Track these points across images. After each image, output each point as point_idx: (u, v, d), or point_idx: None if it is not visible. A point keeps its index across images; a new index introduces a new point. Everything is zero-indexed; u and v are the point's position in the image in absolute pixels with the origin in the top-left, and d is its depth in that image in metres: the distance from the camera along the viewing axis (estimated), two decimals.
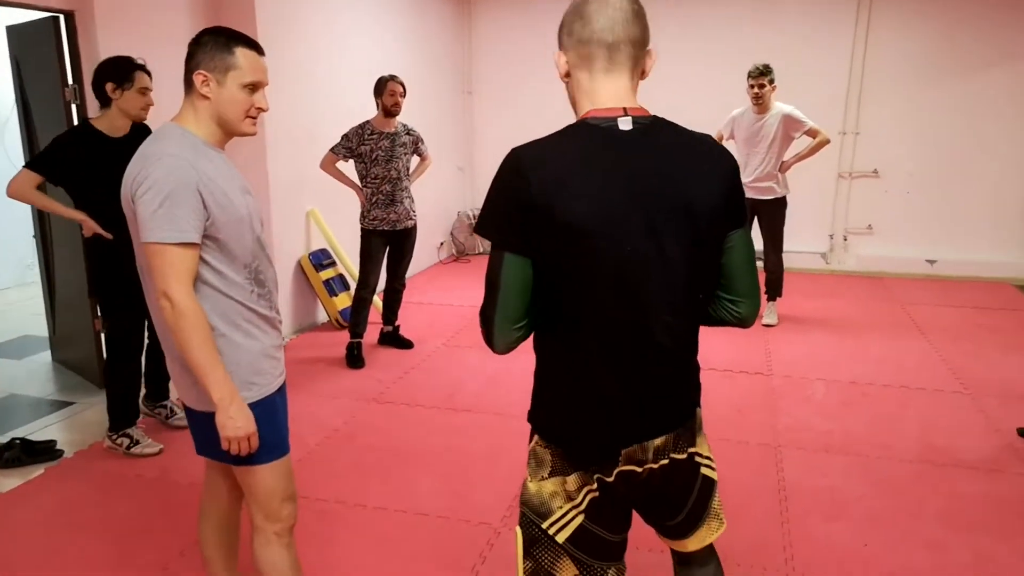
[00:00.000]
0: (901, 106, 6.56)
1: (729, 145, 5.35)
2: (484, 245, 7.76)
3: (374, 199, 4.47)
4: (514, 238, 1.34)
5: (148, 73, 3.28)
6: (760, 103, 4.97)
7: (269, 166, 4.81)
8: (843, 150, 6.77)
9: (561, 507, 1.48)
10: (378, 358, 4.65)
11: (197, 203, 1.68)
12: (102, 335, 4.21)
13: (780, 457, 3.35)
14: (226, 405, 1.71)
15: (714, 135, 5.33)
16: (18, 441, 3.41)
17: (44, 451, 3.41)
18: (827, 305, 5.83)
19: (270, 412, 1.86)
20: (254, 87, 1.80)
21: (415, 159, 4.71)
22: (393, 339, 4.87)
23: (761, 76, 4.88)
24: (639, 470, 1.48)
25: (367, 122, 4.47)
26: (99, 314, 3.53)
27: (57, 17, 3.85)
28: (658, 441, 1.48)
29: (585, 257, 1.34)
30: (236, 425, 1.73)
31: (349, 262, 5.42)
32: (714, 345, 4.85)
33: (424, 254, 6.96)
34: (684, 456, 1.53)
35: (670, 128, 1.44)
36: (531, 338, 1.49)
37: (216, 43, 1.77)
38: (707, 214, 1.40)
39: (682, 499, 1.58)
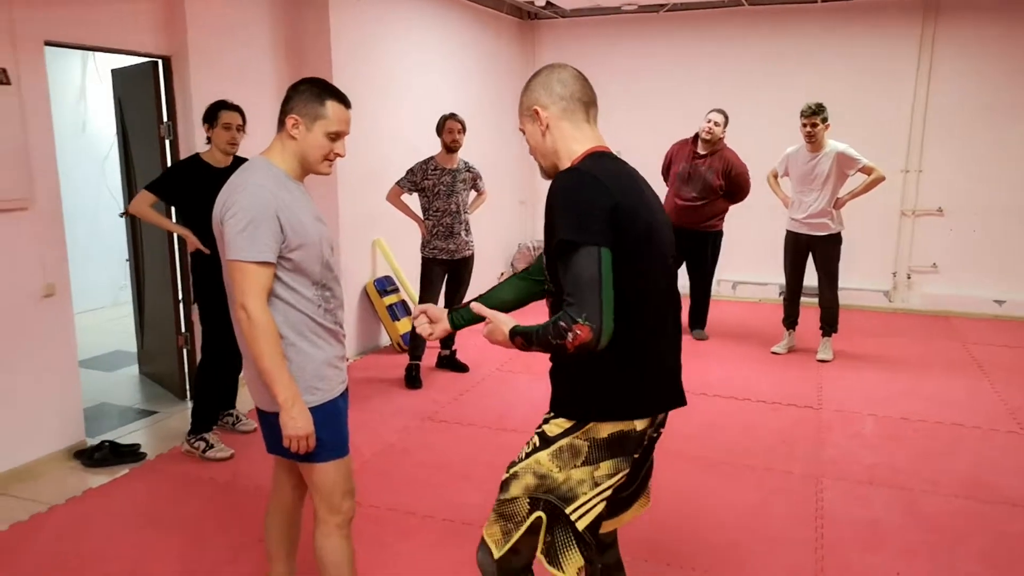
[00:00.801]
0: (966, 144, 6.49)
1: (784, 182, 5.44)
2: None
3: (435, 230, 4.73)
4: (604, 236, 1.56)
5: (237, 111, 3.64)
6: (813, 141, 5.04)
7: (340, 199, 5.15)
8: (906, 188, 6.72)
9: (586, 494, 1.67)
10: (435, 380, 4.87)
11: (275, 227, 1.92)
12: (184, 350, 4.59)
13: (822, 487, 3.39)
14: (289, 407, 1.93)
15: (768, 173, 5.45)
16: (107, 443, 3.75)
17: (129, 453, 3.73)
18: (886, 343, 5.78)
19: (333, 415, 2.07)
20: (336, 136, 2.05)
21: (473, 193, 4.97)
22: (450, 363, 5.09)
23: (813, 115, 4.96)
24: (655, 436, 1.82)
25: (431, 158, 4.75)
26: (197, 320, 3.90)
27: (156, 62, 4.28)
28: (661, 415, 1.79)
29: (654, 248, 1.67)
30: (297, 425, 1.94)
31: (411, 289, 5.69)
32: (764, 378, 4.90)
33: (485, 284, 7.19)
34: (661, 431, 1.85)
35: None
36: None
37: (312, 93, 2.02)
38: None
39: (643, 468, 1.89)
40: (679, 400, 1.78)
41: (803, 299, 5.49)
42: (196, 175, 3.61)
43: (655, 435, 1.83)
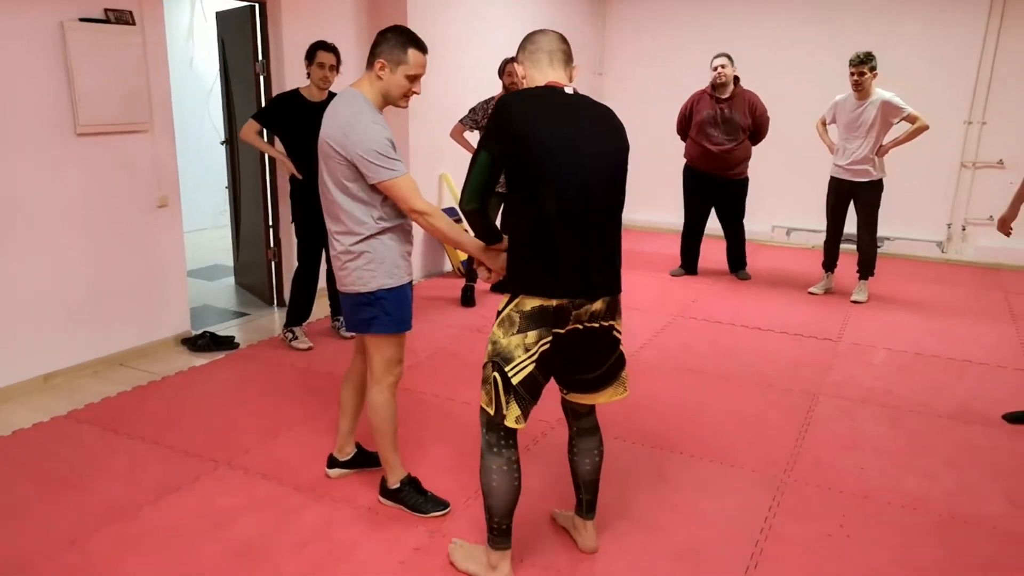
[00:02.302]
0: None
1: (831, 129, 5.63)
2: None
3: None
4: (496, 145, 2.15)
5: (332, 51, 4.15)
6: (860, 90, 5.21)
7: (411, 135, 5.69)
8: (968, 139, 6.73)
9: (520, 356, 2.15)
10: (487, 300, 5.42)
11: (393, 149, 2.46)
12: (272, 264, 5.28)
13: (816, 403, 3.77)
14: (483, 252, 2.44)
15: (817, 120, 5.66)
16: (208, 333, 4.49)
17: (226, 342, 4.46)
18: (927, 289, 5.95)
19: (402, 296, 2.62)
20: (415, 78, 2.53)
21: None
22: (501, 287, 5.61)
23: (861, 64, 5.12)
24: (581, 328, 2.20)
25: (492, 98, 5.20)
26: (294, 236, 4.56)
27: (254, 6, 4.88)
28: (597, 305, 2.20)
29: (549, 161, 2.12)
30: (496, 264, 2.42)
31: None
32: (795, 314, 5.23)
33: None
34: (607, 325, 2.26)
35: (587, 97, 2.28)
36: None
37: (397, 41, 2.48)
38: (615, 148, 2.25)
39: (603, 359, 2.31)
40: (589, 293, 2.16)
41: (845, 245, 5.72)
42: (294, 107, 4.17)
43: (596, 325, 2.20)
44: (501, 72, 5.13)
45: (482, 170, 2.18)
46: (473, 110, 5.20)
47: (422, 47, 2.52)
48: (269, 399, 3.71)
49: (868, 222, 5.47)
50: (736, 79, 5.80)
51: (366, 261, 2.53)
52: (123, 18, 3.94)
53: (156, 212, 4.31)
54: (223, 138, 5.77)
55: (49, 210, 3.77)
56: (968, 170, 6.81)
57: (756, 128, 5.80)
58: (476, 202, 2.23)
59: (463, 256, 6.07)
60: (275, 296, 5.33)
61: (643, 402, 3.67)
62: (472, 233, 2.43)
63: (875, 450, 3.28)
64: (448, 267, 6.35)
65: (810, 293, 5.75)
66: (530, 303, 2.13)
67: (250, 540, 2.56)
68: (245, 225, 5.65)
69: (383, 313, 2.58)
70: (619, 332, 2.31)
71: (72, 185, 3.85)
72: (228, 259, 6.18)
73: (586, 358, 2.28)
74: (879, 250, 6.99)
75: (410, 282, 2.67)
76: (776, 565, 2.48)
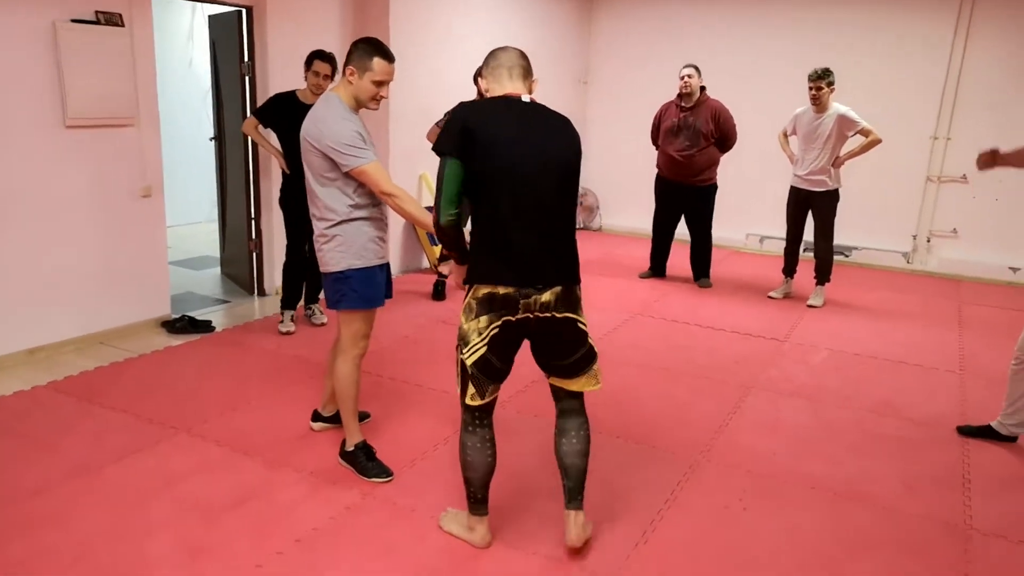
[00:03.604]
0: (996, 115, 6.65)
1: (792, 141, 5.88)
2: (586, 223, 8.61)
3: None
4: (449, 150, 2.32)
5: (328, 61, 4.43)
6: (818, 103, 5.45)
7: (391, 136, 5.97)
8: (934, 154, 6.96)
9: (473, 340, 2.36)
10: (458, 295, 5.68)
11: (363, 140, 2.78)
12: (254, 255, 5.56)
13: (747, 395, 4.01)
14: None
15: (780, 132, 5.90)
16: (186, 317, 4.77)
17: (203, 325, 4.74)
18: (885, 298, 6.17)
19: (370, 277, 2.91)
20: (380, 83, 2.83)
21: None
22: None
23: (819, 79, 5.37)
24: (532, 317, 2.35)
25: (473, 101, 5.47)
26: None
27: (241, 11, 5.17)
28: (546, 296, 2.35)
29: (501, 161, 2.30)
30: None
31: None
32: (749, 316, 5.46)
33: None
34: (563, 317, 2.40)
35: (543, 106, 2.46)
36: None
37: (365, 51, 2.80)
38: (567, 152, 2.41)
39: (571, 350, 2.47)
40: (534, 281, 2.31)
41: (807, 253, 5.95)
42: (289, 107, 4.47)
43: (547, 315, 2.34)
44: (476, 79, 5.40)
45: (451, 175, 2.30)
46: (450, 112, 5.47)
47: (388, 56, 2.83)
48: (235, 377, 3.99)
49: (824, 230, 5.70)
50: (702, 89, 6.04)
51: (338, 243, 2.86)
52: (113, 20, 4.23)
53: (141, 201, 4.59)
54: (212, 135, 6.06)
55: (39, 198, 4.06)
56: (933, 184, 7.03)
57: (722, 135, 6.01)
58: (453, 207, 2.33)
59: (439, 252, 6.34)
60: (256, 285, 5.61)
61: None
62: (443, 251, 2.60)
63: (790, 438, 3.52)
64: (425, 263, 6.62)
65: (769, 297, 5.99)
66: (483, 290, 2.33)
67: (196, 498, 2.83)
68: (231, 218, 5.93)
69: (351, 290, 2.89)
70: (584, 325, 2.44)
71: (61, 174, 4.15)
72: (216, 250, 6.47)
73: (551, 346, 2.45)
74: (846, 258, 7.27)
75: (382, 265, 2.96)
76: (670, 530, 2.72)
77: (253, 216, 5.52)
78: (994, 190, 6.78)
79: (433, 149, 2.40)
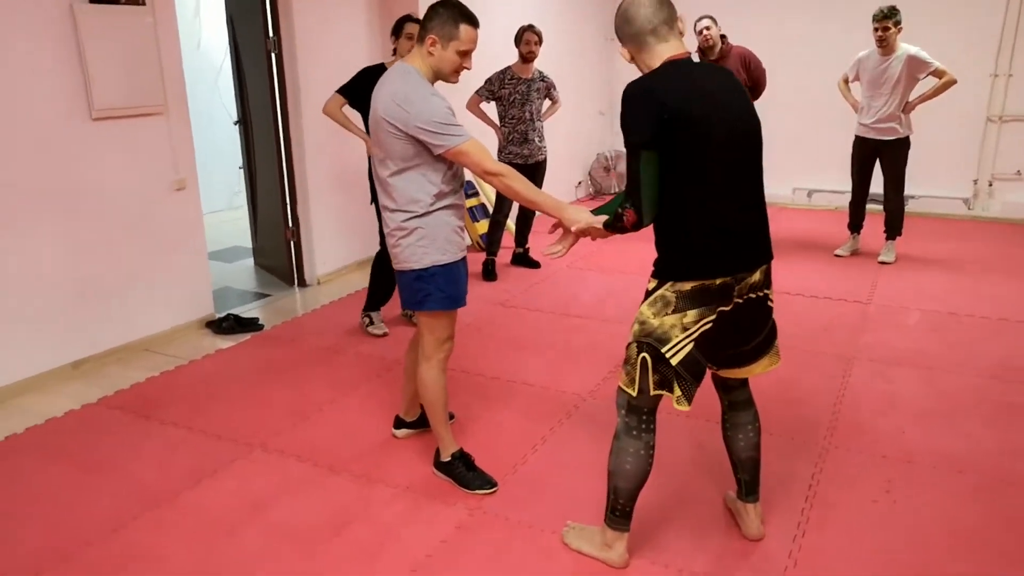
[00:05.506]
0: None
1: (855, 87, 5.50)
2: (619, 184, 8.25)
3: (510, 136, 5.13)
4: (644, 137, 1.93)
5: (419, 23, 4.01)
6: (885, 45, 5.07)
7: None
8: (994, 93, 6.57)
9: (677, 336, 2.03)
10: (509, 274, 5.37)
11: (455, 117, 2.42)
12: (291, 243, 5.24)
13: (850, 367, 3.71)
14: (563, 208, 2.31)
15: (839, 78, 5.52)
16: (232, 316, 4.47)
17: (250, 324, 4.44)
18: (955, 247, 5.85)
19: (454, 273, 2.58)
20: (465, 53, 2.48)
21: (547, 102, 5.31)
22: (523, 259, 5.57)
23: (886, 19, 4.98)
24: (741, 301, 2.09)
25: (508, 68, 5.11)
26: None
27: None
28: (756, 276, 2.09)
29: (708, 140, 1.96)
30: (575, 218, 2.25)
31: (489, 192, 6.15)
32: (822, 277, 5.15)
33: (563, 191, 7.57)
34: (763, 295, 2.15)
35: (709, 63, 2.25)
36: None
37: (449, 16, 2.43)
38: (752, 110, 2.11)
39: (760, 328, 2.19)
40: (751, 263, 2.06)
41: (871, 205, 5.61)
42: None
43: (754, 296, 2.10)
44: (518, 41, 5.03)
45: (653, 174, 1.96)
46: (489, 80, 5.11)
47: (474, 21, 2.47)
48: (298, 381, 3.70)
49: (895, 181, 5.36)
50: (723, 37, 5.60)
51: (418, 238, 2.51)
52: None
53: (174, 195, 4.26)
54: (236, 119, 5.70)
55: (68, 197, 3.74)
56: (995, 124, 6.65)
57: (754, 83, 5.59)
58: (655, 208, 2.01)
59: (482, 228, 6.02)
60: (296, 277, 5.31)
61: None
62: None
63: (913, 412, 3.22)
64: (467, 240, 6.29)
65: (836, 255, 5.66)
66: (690, 283, 2.01)
67: (289, 524, 2.55)
68: (263, 206, 5.61)
69: (436, 290, 2.56)
70: (771, 300, 2.20)
71: (90, 170, 3.81)
72: (246, 240, 6.15)
73: (744, 330, 2.16)
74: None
75: (464, 258, 2.63)
76: (822, 538, 2.44)
77: (289, 203, 5.18)
78: None
79: (627, 141, 1.99)
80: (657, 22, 2.02)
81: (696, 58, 5.61)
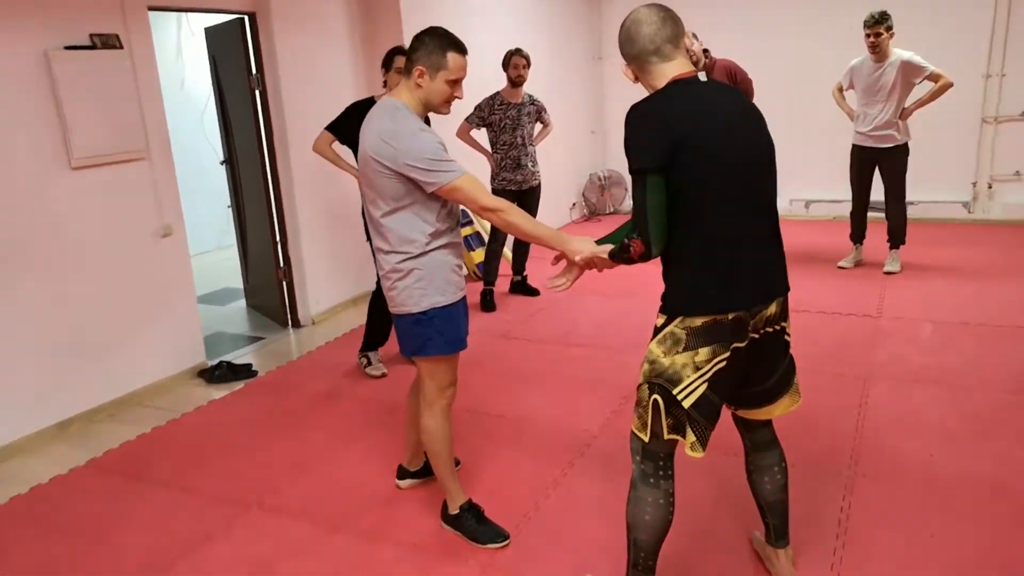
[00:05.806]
0: None
1: (848, 95, 5.41)
2: (614, 205, 8.15)
3: (503, 162, 5.02)
4: (650, 164, 1.81)
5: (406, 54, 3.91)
6: (877, 51, 4.99)
7: None
8: (988, 94, 6.50)
9: (689, 376, 1.88)
10: (508, 303, 5.24)
11: (446, 153, 2.30)
12: (283, 283, 5.11)
13: (867, 386, 3.58)
14: (565, 240, 2.21)
15: (833, 87, 5.44)
16: (224, 363, 4.32)
17: (244, 370, 4.29)
18: (959, 253, 5.74)
19: (453, 315, 2.44)
20: (455, 82, 2.36)
21: (539, 125, 5.22)
22: (521, 288, 5.44)
23: (877, 24, 4.90)
24: (757, 336, 1.94)
25: (497, 93, 5.01)
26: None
27: (243, 18, 4.68)
28: (772, 308, 1.95)
29: (718, 166, 1.84)
30: (579, 249, 2.14)
31: (484, 220, 6.02)
32: (827, 290, 5.03)
33: (557, 214, 7.46)
34: (780, 328, 2.00)
35: (717, 81, 2.07)
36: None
37: (435, 45, 2.32)
38: (765, 131, 1.98)
39: (777, 364, 2.04)
40: (766, 296, 1.93)
41: (872, 214, 5.51)
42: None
43: (771, 330, 1.96)
44: (506, 65, 4.94)
45: (660, 201, 1.82)
46: (479, 107, 5.01)
47: (462, 48, 2.35)
48: (295, 430, 3.54)
49: (896, 189, 5.26)
50: (706, 52, 5.50)
51: (415, 279, 2.37)
52: (110, 42, 3.75)
53: (160, 242, 4.13)
54: (222, 158, 5.58)
55: (49, 248, 3.60)
56: (990, 125, 6.57)
57: (742, 93, 5.48)
58: (664, 236, 1.86)
59: (478, 257, 5.89)
60: (289, 317, 5.16)
61: None
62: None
63: (939, 435, 3.09)
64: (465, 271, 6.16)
65: (840, 267, 5.55)
66: (700, 318, 1.87)
67: None
68: (252, 245, 5.48)
69: (436, 334, 2.43)
70: (789, 334, 2.05)
71: (73, 221, 3.68)
72: (237, 281, 6.01)
73: (761, 367, 2.02)
74: None
75: (463, 298, 2.50)
76: (861, 574, 2.30)
77: (280, 242, 5.05)
78: None
79: (632, 167, 1.85)
80: (660, 41, 1.91)
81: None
